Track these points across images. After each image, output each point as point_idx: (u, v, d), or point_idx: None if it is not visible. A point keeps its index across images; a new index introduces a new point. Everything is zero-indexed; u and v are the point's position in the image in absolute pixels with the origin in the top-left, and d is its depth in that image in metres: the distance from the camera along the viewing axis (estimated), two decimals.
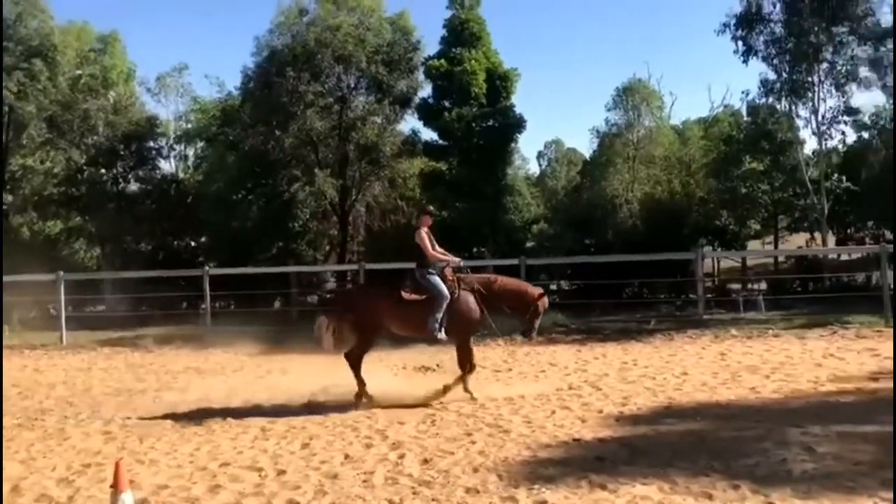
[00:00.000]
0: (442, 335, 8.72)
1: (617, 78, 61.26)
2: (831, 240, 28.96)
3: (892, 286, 15.11)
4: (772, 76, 25.24)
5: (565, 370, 10.80)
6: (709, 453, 6.14)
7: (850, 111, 26.41)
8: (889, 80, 25.50)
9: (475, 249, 28.28)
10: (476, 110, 27.47)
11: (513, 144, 30.18)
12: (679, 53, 76.78)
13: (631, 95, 33.01)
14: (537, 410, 8.07)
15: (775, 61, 24.89)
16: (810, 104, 25.21)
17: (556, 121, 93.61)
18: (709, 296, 19.70)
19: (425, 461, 6.27)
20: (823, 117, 25.57)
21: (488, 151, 27.72)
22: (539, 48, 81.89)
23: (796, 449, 6.20)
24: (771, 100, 25.93)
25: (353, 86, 25.30)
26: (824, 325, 13.60)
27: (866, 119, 28.68)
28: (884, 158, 28.82)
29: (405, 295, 8.76)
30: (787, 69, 24.72)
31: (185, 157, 30.76)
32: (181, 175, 29.80)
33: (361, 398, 8.72)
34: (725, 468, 5.73)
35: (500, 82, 28.17)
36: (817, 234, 28.97)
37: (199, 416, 8.46)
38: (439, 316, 8.63)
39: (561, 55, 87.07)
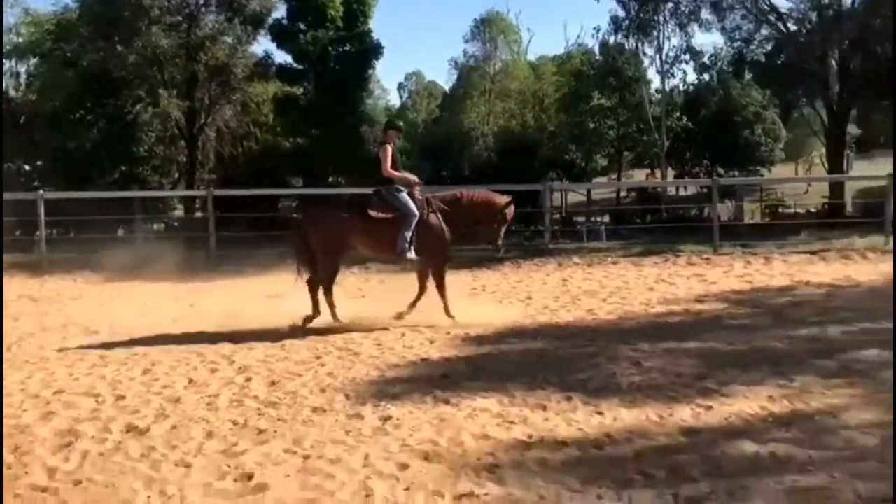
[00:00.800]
0: (412, 255, 8.51)
1: (476, 9, 61.20)
2: (670, 175, 30.64)
3: (720, 217, 16.26)
4: (621, 14, 26.18)
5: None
6: (546, 369, 6.48)
7: (692, 51, 27.86)
8: (728, 23, 27.02)
9: (331, 178, 27.99)
10: (333, 34, 26.81)
11: (371, 71, 29.81)
12: None
13: (489, 28, 33.23)
14: (388, 333, 8.19)
15: None
16: (655, 43, 26.41)
17: (417, 53, 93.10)
18: (556, 227, 20.49)
19: (272, 383, 6.26)
20: (667, 56, 26.89)
21: (345, 77, 27.23)
22: None
23: (625, 364, 6.64)
24: (620, 37, 26.93)
25: (201, 3, 24.02)
26: (659, 254, 14.45)
27: (706, 60, 30.31)
28: (721, 99, 30.65)
29: (372, 213, 8.50)
30: (636, 7, 25.65)
31: (17, 74, 28.31)
32: (12, 93, 27.45)
33: (309, 322, 8.55)
34: (560, 382, 6.07)
35: (357, 6, 27.55)
36: (658, 170, 30.62)
37: (32, 344, 8.05)
38: (409, 235, 8.40)
39: None
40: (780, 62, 28.39)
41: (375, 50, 28.29)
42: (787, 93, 30.37)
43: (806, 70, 26.46)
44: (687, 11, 26.07)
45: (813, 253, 14.08)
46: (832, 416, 5.14)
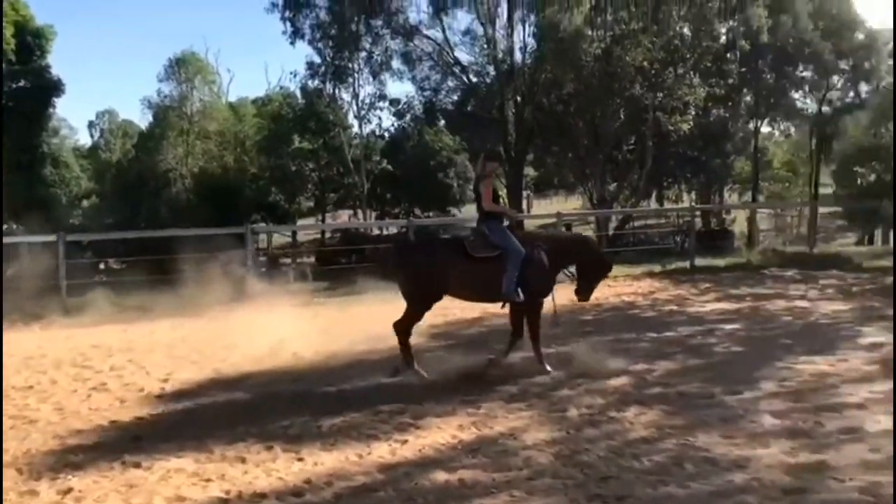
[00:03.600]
0: (521, 297, 7.53)
1: (171, 48, 59.17)
2: (372, 216, 31.69)
3: None
4: (317, 59, 26.92)
5: (108, 351, 10.20)
6: (247, 420, 6.34)
7: (385, 98, 29.36)
8: (418, 73, 28.84)
9: (6, 226, 25.24)
10: (3, 68, 24.31)
11: (51, 109, 27.42)
12: (238, 30, 76.92)
13: (184, 68, 32.36)
14: (72, 396, 7.51)
15: (320, 45, 26.55)
16: (352, 89, 27.48)
17: (111, 91, 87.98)
18: (263, 269, 20.18)
19: None
20: (363, 102, 28.07)
21: (20, 116, 24.79)
22: (88, 12, 75.62)
23: (327, 405, 6.73)
24: (318, 82, 27.60)
25: None
26: (360, 293, 14.83)
27: (401, 108, 32.01)
28: (416, 144, 32.51)
29: (473, 252, 7.55)
30: (331, 54, 26.53)
31: None
32: None
33: (410, 365, 7.73)
34: (261, 432, 5.99)
35: (32, 39, 25.30)
36: (360, 211, 31.57)
37: None
38: (516, 274, 7.45)
39: (114, 22, 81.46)
40: (466, 111, 30.88)
41: (55, 86, 26.11)
42: (474, 139, 33.10)
43: (488, 118, 29.06)
44: (379, 61, 27.46)
45: None
46: (513, 438, 5.62)
